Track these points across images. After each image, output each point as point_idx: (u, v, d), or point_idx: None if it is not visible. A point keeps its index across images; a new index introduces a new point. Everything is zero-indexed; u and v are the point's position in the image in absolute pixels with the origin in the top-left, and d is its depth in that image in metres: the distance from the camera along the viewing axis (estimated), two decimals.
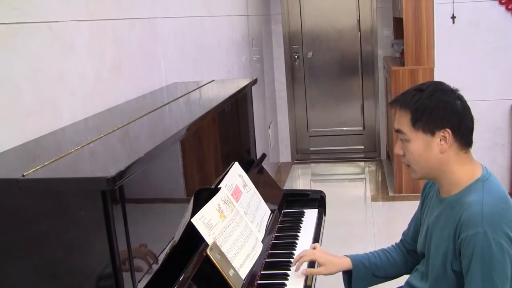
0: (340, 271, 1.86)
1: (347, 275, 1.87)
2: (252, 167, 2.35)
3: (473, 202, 1.54)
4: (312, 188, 5.09)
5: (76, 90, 1.76)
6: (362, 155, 6.14)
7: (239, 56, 4.16)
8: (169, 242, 1.49)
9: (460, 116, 1.58)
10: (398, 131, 1.64)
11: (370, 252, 1.92)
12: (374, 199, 4.88)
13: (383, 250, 1.92)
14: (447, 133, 1.57)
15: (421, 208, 1.83)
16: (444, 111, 1.57)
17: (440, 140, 1.58)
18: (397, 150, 1.67)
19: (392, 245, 1.94)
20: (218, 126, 2.04)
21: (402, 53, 4.85)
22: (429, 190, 1.80)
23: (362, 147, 6.16)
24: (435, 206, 1.70)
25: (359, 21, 5.90)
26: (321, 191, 2.53)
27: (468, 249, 1.51)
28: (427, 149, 1.60)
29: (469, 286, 1.53)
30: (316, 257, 1.86)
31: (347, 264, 1.85)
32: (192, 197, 1.64)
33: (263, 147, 4.89)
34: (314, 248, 1.92)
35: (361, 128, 6.13)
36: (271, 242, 2.06)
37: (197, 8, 3.14)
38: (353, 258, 1.87)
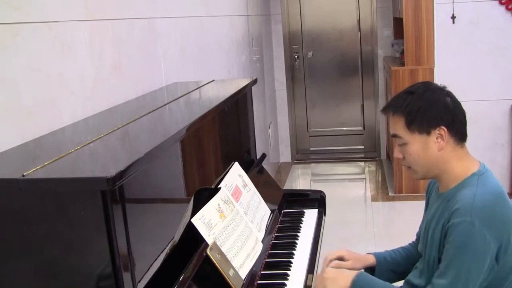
0: (364, 267, 1.91)
1: (369, 272, 1.90)
2: (252, 167, 2.34)
3: (466, 194, 1.56)
4: (312, 188, 5.09)
5: (76, 90, 1.75)
6: (362, 155, 6.13)
7: (239, 56, 4.16)
8: (169, 242, 1.49)
9: (452, 112, 1.62)
10: (394, 136, 1.68)
11: (391, 250, 1.96)
12: (374, 199, 4.87)
13: (403, 248, 1.96)
14: (443, 130, 1.60)
15: (426, 208, 1.84)
16: (436, 110, 1.61)
17: (436, 138, 1.61)
18: (397, 154, 1.70)
19: (410, 243, 1.97)
20: (218, 126, 2.04)
21: (402, 53, 4.85)
22: (431, 189, 1.82)
23: (362, 147, 6.16)
24: (434, 202, 1.73)
25: (359, 21, 5.89)
26: (321, 191, 2.53)
27: (451, 235, 1.53)
28: (426, 148, 1.62)
29: (438, 270, 1.54)
30: (344, 253, 1.92)
31: (371, 260, 1.91)
32: (192, 197, 1.64)
33: (263, 147, 4.89)
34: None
35: (361, 128, 6.13)
36: (271, 242, 2.06)
37: (197, 8, 3.14)
38: (376, 254, 1.93)
